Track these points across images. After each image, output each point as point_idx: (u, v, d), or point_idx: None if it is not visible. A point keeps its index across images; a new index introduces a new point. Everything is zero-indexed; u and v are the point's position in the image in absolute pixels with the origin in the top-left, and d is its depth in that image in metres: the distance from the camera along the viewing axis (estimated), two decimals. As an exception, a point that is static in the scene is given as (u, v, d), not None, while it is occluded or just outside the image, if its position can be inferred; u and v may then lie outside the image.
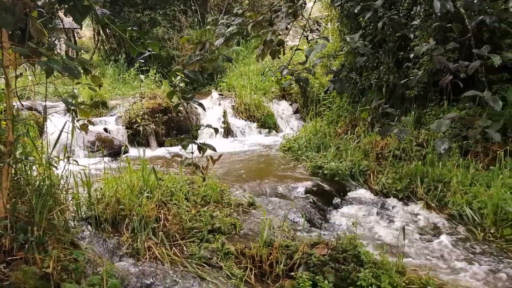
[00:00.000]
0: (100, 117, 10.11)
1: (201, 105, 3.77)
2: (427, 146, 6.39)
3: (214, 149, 3.57)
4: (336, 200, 6.06)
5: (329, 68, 6.60)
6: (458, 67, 3.44)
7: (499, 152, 5.84)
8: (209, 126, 4.00)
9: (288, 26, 4.20)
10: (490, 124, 5.48)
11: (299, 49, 4.15)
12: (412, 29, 6.85)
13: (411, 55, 6.86)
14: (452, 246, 4.74)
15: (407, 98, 7.52)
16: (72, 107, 3.41)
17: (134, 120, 9.68)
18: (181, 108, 3.82)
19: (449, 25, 3.89)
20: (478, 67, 3.41)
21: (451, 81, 4.11)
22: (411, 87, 7.01)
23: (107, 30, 14.96)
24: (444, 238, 4.94)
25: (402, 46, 7.66)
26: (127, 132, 9.63)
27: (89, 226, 4.43)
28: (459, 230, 5.12)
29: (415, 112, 7.09)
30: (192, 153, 3.70)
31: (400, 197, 6.05)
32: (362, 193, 6.27)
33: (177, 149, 8.48)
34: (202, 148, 3.60)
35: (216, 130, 3.76)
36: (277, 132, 10.93)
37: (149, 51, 3.38)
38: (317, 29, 14.10)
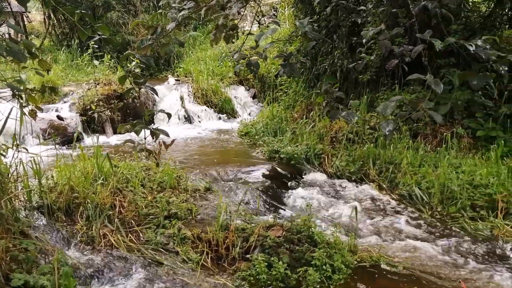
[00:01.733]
0: (52, 104, 9.79)
1: (153, 89, 3.74)
2: (379, 129, 6.58)
3: (167, 134, 3.56)
4: (292, 183, 6.17)
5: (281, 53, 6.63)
6: (403, 51, 3.56)
7: (446, 134, 6.10)
8: (162, 111, 3.97)
9: (240, 11, 4.20)
10: (435, 106, 5.70)
11: (251, 34, 4.17)
12: (364, 15, 6.99)
13: (364, 41, 7.02)
14: (401, 225, 4.94)
15: (360, 83, 7.70)
16: (19, 93, 3.31)
17: (89, 106, 9.44)
18: (136, 94, 3.77)
19: (394, 10, 4.00)
20: (421, 51, 3.54)
21: (397, 65, 4.24)
22: (359, 71, 7.17)
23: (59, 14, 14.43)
24: (394, 217, 5.15)
25: (355, 31, 7.80)
26: (82, 119, 9.39)
27: (42, 216, 4.33)
28: (409, 209, 5.34)
29: (367, 96, 7.27)
30: (145, 138, 3.68)
31: (353, 179, 6.23)
32: (317, 176, 6.41)
33: (134, 135, 8.35)
34: (155, 133, 3.59)
35: (169, 115, 3.73)
36: (234, 117, 10.94)
37: (99, 35, 3.30)
38: (273, 14, 14.11)
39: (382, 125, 3.43)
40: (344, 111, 3.85)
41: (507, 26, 7.56)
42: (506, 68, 3.20)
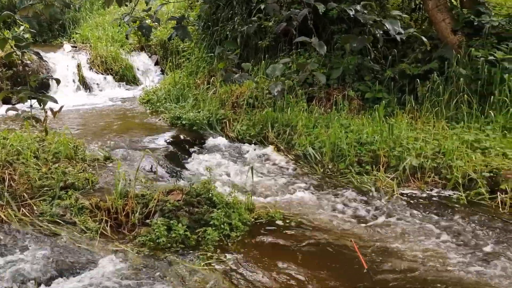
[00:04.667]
0: None
1: (37, 54, 3.56)
2: (277, 94, 6.82)
3: (55, 101, 3.45)
4: (194, 148, 6.26)
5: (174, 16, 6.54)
6: (290, 14, 3.71)
7: (337, 96, 6.50)
8: (50, 77, 3.80)
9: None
10: (329, 71, 5.97)
11: (143, -3, 4.10)
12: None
13: (262, 6, 7.15)
14: (296, 183, 5.26)
15: (260, 49, 7.88)
16: None
17: (-29, 75, 8.65)
18: (28, 62, 3.57)
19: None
20: (307, 15, 3.71)
21: (293, 30, 4.38)
22: (250, 33, 7.33)
23: None
24: (290, 176, 5.45)
25: (254, -3, 7.92)
26: (-37, 89, 8.58)
27: None
28: (304, 168, 5.68)
29: (266, 62, 7.47)
30: (31, 106, 3.54)
31: (253, 142, 6.45)
32: (219, 140, 6.53)
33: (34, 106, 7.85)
34: (42, 100, 3.45)
35: (58, 81, 3.59)
36: (136, 85, 10.65)
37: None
38: (175, -22, 13.73)
39: (271, 86, 3.61)
40: (238, 74, 3.96)
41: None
42: (381, 32, 3.48)
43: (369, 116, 6.21)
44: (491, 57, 6.16)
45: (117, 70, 10.65)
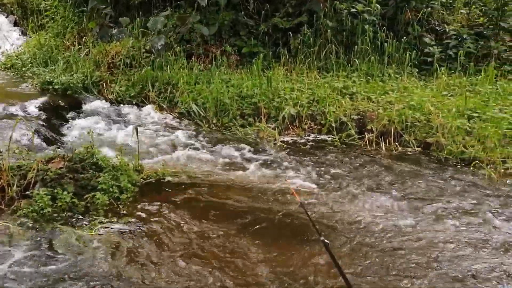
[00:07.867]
0: None
1: None
2: (155, 53, 6.66)
3: None
4: (71, 114, 5.95)
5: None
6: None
7: (215, 52, 6.57)
8: None
9: None
10: (206, 27, 5.95)
11: None
12: None
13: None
14: (183, 140, 5.30)
15: (133, 6, 7.53)
16: None
17: None
18: None
19: None
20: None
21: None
22: None
23: None
24: (176, 134, 5.47)
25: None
26: None
27: None
28: (188, 125, 5.74)
29: (141, 20, 7.18)
30: None
31: (134, 103, 6.33)
32: (97, 104, 6.28)
33: None
34: None
35: None
36: (-6, 49, 9.55)
37: None
38: None
39: (154, 40, 3.55)
40: (115, 30, 3.81)
41: None
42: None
43: (248, 70, 6.41)
44: (353, 10, 6.67)
45: (-33, 33, 9.42)
